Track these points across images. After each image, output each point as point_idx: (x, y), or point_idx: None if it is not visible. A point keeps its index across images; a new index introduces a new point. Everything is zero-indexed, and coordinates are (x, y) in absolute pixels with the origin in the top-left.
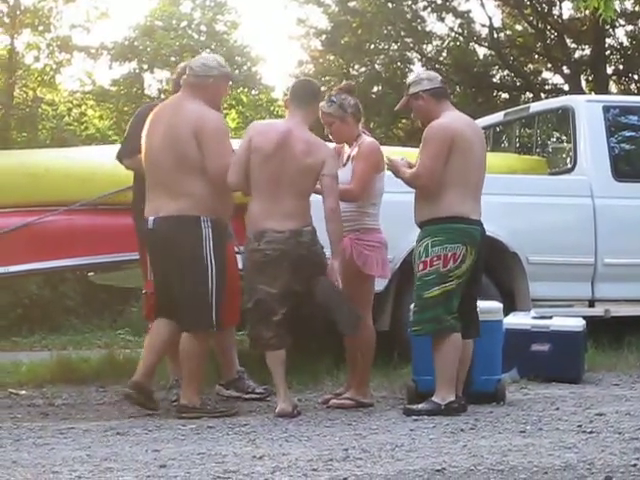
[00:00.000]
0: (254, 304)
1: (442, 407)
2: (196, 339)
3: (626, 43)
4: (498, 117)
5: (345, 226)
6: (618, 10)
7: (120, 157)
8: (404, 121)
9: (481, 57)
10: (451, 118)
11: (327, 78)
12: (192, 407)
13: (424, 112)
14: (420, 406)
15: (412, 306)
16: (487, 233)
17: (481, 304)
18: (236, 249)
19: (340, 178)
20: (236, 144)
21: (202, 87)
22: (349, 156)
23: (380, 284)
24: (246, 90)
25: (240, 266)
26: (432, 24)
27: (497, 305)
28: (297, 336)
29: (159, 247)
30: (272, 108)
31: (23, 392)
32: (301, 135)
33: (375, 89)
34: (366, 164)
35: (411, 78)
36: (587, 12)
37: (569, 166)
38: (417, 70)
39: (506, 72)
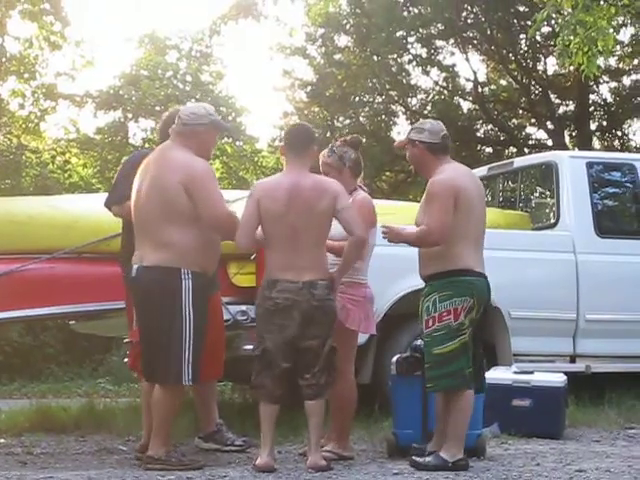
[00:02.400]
0: (261, 352)
1: (450, 464)
2: (165, 392)
3: (610, 99)
4: (482, 171)
5: None
6: (602, 66)
7: (108, 204)
8: (388, 174)
9: (465, 111)
10: (453, 173)
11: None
12: (157, 459)
13: (417, 161)
14: (428, 460)
15: (425, 364)
16: None
17: None
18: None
19: (332, 232)
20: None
21: (191, 136)
22: None
23: (362, 337)
24: (230, 141)
25: (225, 317)
26: (417, 77)
27: None
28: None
29: (139, 296)
30: (256, 159)
31: (1, 440)
32: (309, 183)
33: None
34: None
35: (417, 123)
36: (571, 68)
37: (552, 221)
38: (401, 123)
39: (490, 126)
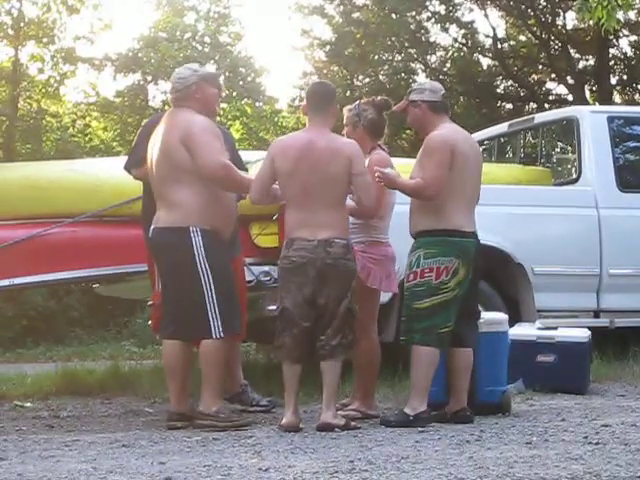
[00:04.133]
0: (280, 312)
1: (411, 417)
2: (205, 348)
3: (630, 53)
4: (502, 128)
5: (352, 239)
6: (622, 20)
7: (128, 168)
8: (408, 132)
9: (485, 68)
10: (449, 130)
11: None
12: (207, 414)
13: (419, 121)
14: (392, 418)
15: (402, 317)
16: (492, 244)
17: (486, 315)
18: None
19: None
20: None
21: (188, 98)
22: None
23: (385, 296)
24: (250, 101)
25: (248, 278)
26: (436, 35)
27: (502, 316)
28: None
29: (157, 257)
30: (276, 119)
31: (28, 404)
32: (322, 143)
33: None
34: (371, 178)
35: (415, 85)
36: (591, 22)
37: (574, 177)
38: (421, 80)
39: (510, 82)
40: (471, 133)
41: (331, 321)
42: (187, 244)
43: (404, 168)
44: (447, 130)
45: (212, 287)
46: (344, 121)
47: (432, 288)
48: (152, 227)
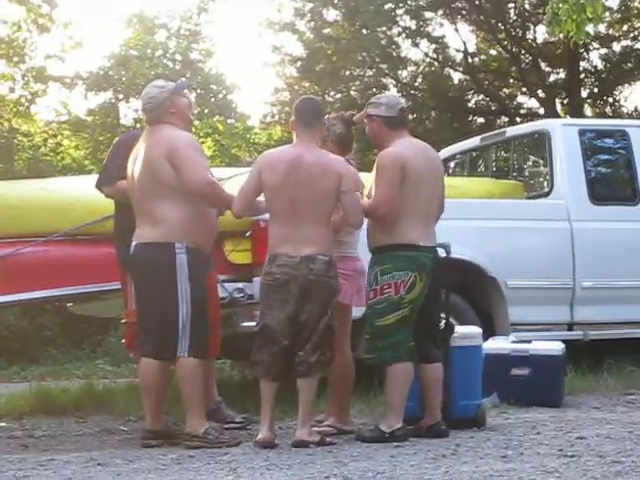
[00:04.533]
0: (260, 328)
1: (386, 435)
2: (180, 367)
3: (600, 66)
4: (474, 142)
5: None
6: (592, 33)
7: (99, 186)
8: None
9: (456, 82)
10: (402, 146)
11: None
12: (195, 435)
13: (375, 136)
14: (367, 434)
15: (365, 335)
16: (465, 258)
17: (460, 329)
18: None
19: None
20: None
21: (164, 115)
22: None
23: (357, 311)
24: (222, 118)
25: (221, 295)
26: (407, 50)
27: (476, 330)
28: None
29: (137, 273)
30: (248, 136)
31: (2, 424)
32: (311, 159)
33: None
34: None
35: (374, 98)
36: (561, 36)
37: (546, 190)
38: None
39: (481, 97)
40: (443, 147)
41: (310, 337)
42: (171, 261)
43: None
44: (400, 146)
45: (187, 307)
46: None
47: (394, 303)
48: (134, 243)
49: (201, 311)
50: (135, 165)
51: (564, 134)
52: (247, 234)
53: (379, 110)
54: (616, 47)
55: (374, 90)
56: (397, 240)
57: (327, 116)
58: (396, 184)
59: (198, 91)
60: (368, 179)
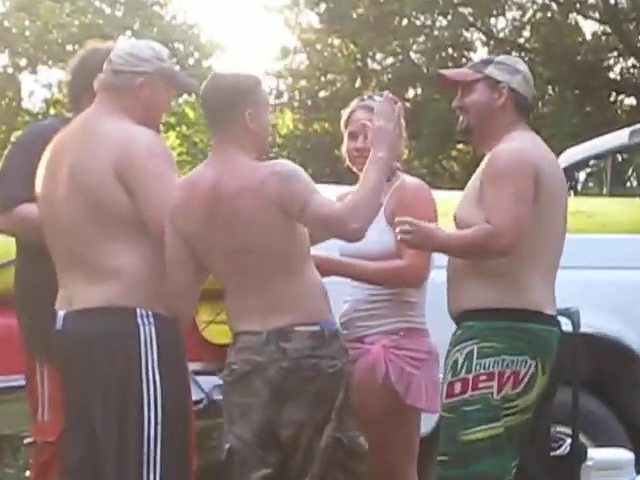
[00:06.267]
0: (226, 456)
1: None
2: None
3: None
4: (620, 138)
5: (372, 325)
6: None
7: None
8: (461, 146)
9: (589, 37)
10: (531, 144)
11: (330, 77)
12: None
13: (487, 116)
14: None
15: (439, 456)
16: (603, 333)
17: (597, 453)
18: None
19: (364, 245)
20: None
21: (128, 92)
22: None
23: (428, 421)
24: (193, 99)
25: (195, 398)
26: None
27: (625, 455)
28: None
29: (68, 362)
30: None
31: None
32: (230, 181)
33: (410, 93)
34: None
35: (503, 56)
36: None
37: None
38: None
39: (631, 62)
40: (567, 147)
41: (306, 465)
42: (129, 337)
43: (446, 207)
44: (528, 144)
45: (156, 420)
46: (349, 127)
47: (493, 408)
48: (61, 312)
49: (179, 426)
50: (57, 180)
51: None
52: None
53: (515, 79)
54: None
55: (450, 51)
56: (517, 302)
57: (386, 92)
58: (528, 200)
59: None
60: (448, 201)
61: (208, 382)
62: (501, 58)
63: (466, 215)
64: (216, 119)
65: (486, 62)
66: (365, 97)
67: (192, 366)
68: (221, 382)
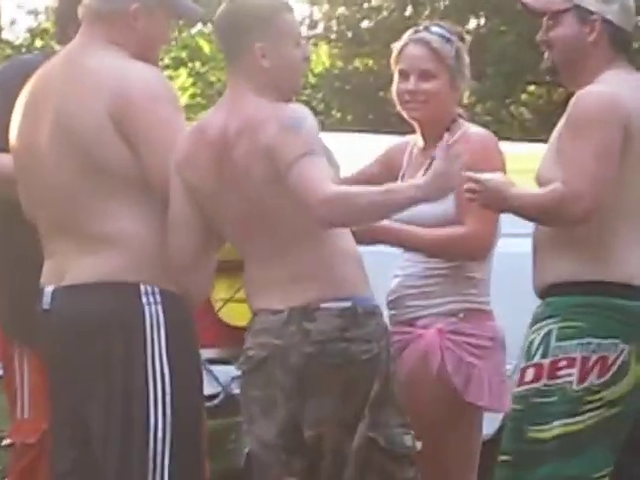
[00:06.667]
0: (245, 461)
1: None
2: None
3: None
4: None
5: (427, 306)
6: None
7: None
8: (532, 88)
9: None
10: (623, 86)
11: (375, 3)
12: None
13: (576, 54)
14: None
15: (502, 455)
16: None
17: None
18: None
19: (419, 211)
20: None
21: (119, 20)
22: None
23: (491, 423)
24: (208, 29)
25: (208, 392)
26: None
27: None
28: None
29: (58, 348)
30: None
31: None
32: (234, 124)
33: (472, 24)
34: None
35: None
36: None
37: None
38: None
39: None
40: None
41: (338, 471)
42: (133, 321)
43: (516, 161)
44: (618, 86)
45: (165, 418)
46: (400, 64)
47: (572, 400)
48: (49, 288)
49: (190, 427)
50: (39, 127)
51: None
52: None
53: (611, 9)
54: None
55: None
56: (600, 274)
57: (440, 24)
58: (614, 156)
59: None
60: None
61: (225, 373)
62: None
63: (547, 173)
64: (226, 51)
65: None
66: (421, 28)
67: (206, 354)
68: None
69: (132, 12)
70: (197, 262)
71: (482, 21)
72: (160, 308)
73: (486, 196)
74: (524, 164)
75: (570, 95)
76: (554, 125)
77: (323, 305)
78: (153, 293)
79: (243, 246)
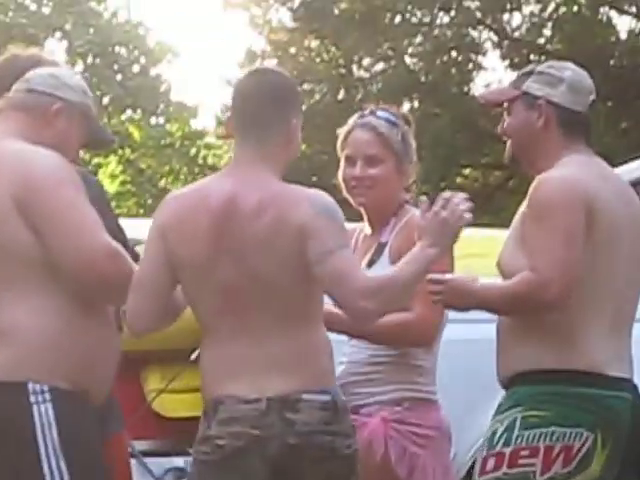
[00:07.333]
0: None
1: None
2: None
3: None
4: None
5: (371, 393)
6: None
7: None
8: (468, 171)
9: (624, 36)
10: (581, 170)
11: (307, 87)
12: None
13: (529, 140)
14: None
15: None
16: None
17: None
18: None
19: None
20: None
21: (39, 115)
22: (382, 245)
23: None
24: (139, 115)
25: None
26: None
27: None
28: None
29: None
30: (193, 151)
31: None
32: (251, 198)
33: (405, 106)
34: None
35: (546, 65)
36: None
37: None
38: (492, 66)
39: None
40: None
41: None
42: (21, 421)
43: (463, 247)
44: (577, 169)
45: None
46: (347, 150)
47: None
48: None
49: None
50: None
51: None
52: (191, 356)
53: (556, 92)
54: None
55: (454, 54)
56: (566, 362)
57: (363, 110)
58: (578, 240)
59: (91, 58)
60: (468, 237)
61: (159, 465)
62: (544, 66)
63: (510, 260)
64: (256, 121)
65: (526, 74)
66: (366, 112)
67: (139, 445)
68: (175, 464)
69: (54, 110)
70: (150, 330)
71: (416, 104)
72: (50, 408)
73: (451, 295)
74: (468, 249)
75: (507, 178)
76: (493, 208)
77: (304, 396)
78: (42, 392)
79: (218, 320)
